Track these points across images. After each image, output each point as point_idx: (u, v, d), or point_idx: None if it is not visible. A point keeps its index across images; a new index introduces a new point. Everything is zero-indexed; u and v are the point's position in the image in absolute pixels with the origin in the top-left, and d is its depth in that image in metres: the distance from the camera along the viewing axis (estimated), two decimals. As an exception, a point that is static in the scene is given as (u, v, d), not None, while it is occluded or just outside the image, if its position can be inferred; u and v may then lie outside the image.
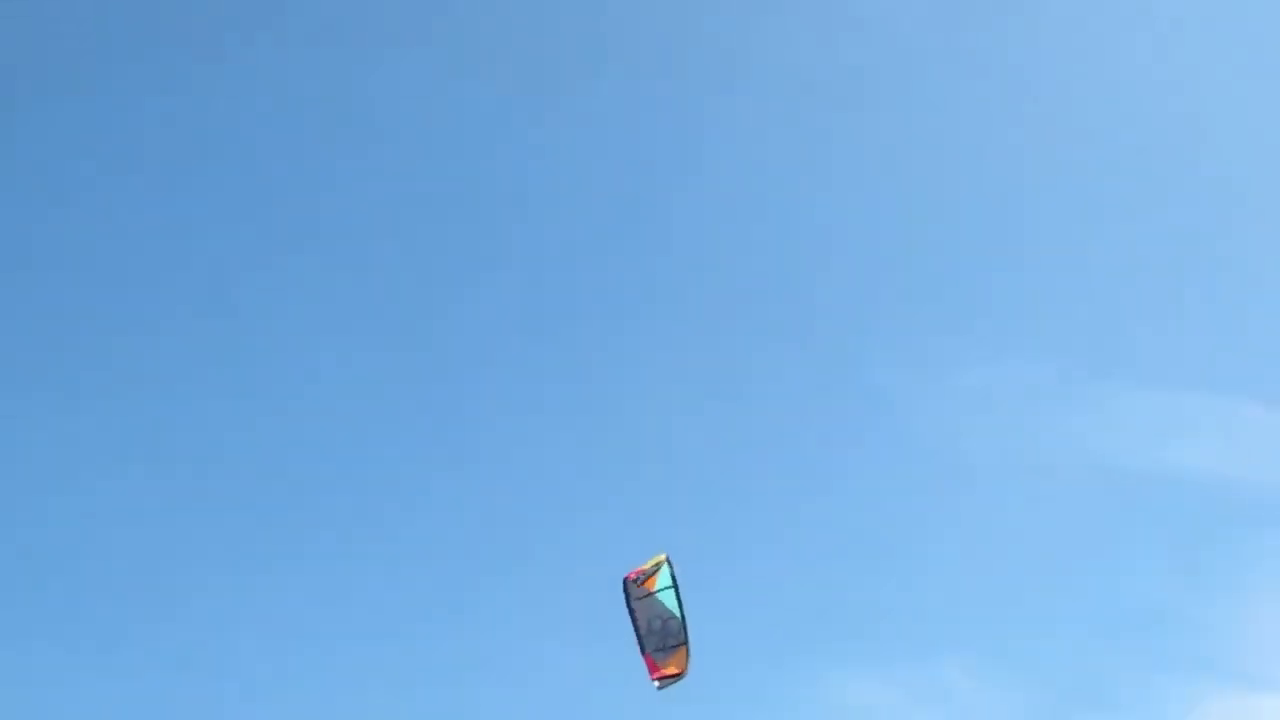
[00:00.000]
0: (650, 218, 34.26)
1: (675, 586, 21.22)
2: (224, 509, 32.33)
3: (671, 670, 21.12)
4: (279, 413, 33.70)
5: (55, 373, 34.05)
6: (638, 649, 21.28)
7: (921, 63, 35.45)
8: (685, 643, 21.16)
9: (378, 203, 36.18)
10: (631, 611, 21.16)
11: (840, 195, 34.16)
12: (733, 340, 32.73)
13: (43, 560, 31.77)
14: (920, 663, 28.93)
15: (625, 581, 21.12)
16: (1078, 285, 34.28)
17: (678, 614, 21.11)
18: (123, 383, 33.88)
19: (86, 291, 35.69)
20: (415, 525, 32.26)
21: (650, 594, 21.14)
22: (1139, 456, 29.80)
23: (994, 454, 30.58)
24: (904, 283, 33.67)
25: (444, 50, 37.18)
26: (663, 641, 21.19)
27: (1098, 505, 30.53)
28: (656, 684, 21.25)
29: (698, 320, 33.11)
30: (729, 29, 36.33)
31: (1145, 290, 33.68)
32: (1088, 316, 33.33)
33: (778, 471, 30.89)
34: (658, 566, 21.29)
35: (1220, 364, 31.43)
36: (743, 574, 29.62)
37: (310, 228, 36.52)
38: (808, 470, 30.89)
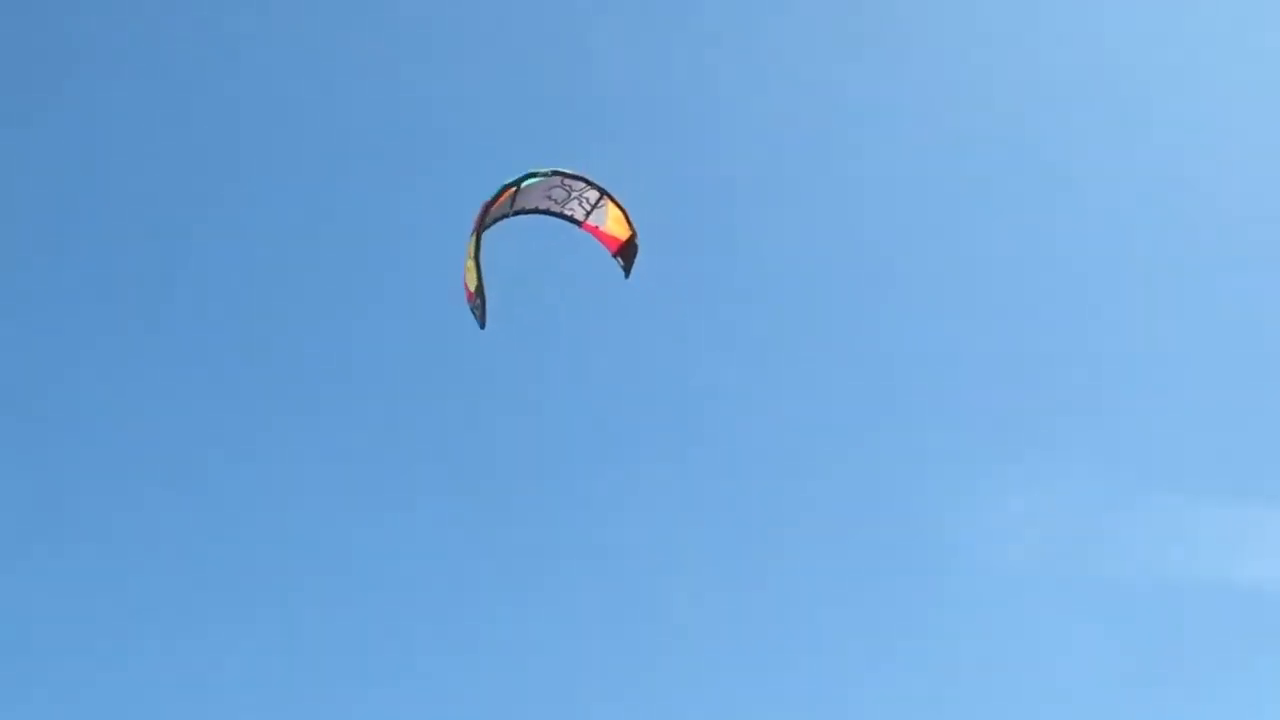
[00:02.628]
0: (691, 354, 28.79)
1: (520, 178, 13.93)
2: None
3: (624, 235, 14.21)
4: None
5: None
6: (574, 227, 14.34)
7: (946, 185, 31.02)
8: (604, 190, 14.12)
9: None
10: (521, 212, 13.95)
11: (879, 326, 30.50)
12: (770, 476, 28.84)
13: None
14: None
15: (478, 302, 13.62)
16: (1131, 398, 31.17)
17: (553, 170, 13.98)
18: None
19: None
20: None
21: (515, 193, 13.90)
22: (1208, 571, 27.49)
23: (1054, 574, 28.50)
24: (947, 411, 30.23)
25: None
26: (582, 201, 14.16)
27: (1166, 621, 28.48)
28: (622, 266, 14.43)
29: (733, 459, 28.75)
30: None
31: (1205, 399, 30.35)
32: (1145, 430, 30.58)
33: (830, 604, 28.13)
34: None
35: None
36: (808, 710, 26.82)
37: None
38: (863, 603, 28.33)
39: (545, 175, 13.78)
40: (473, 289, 13.50)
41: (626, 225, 14.11)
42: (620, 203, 14.07)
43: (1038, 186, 32.75)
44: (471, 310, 13.66)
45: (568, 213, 14.18)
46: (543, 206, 14.08)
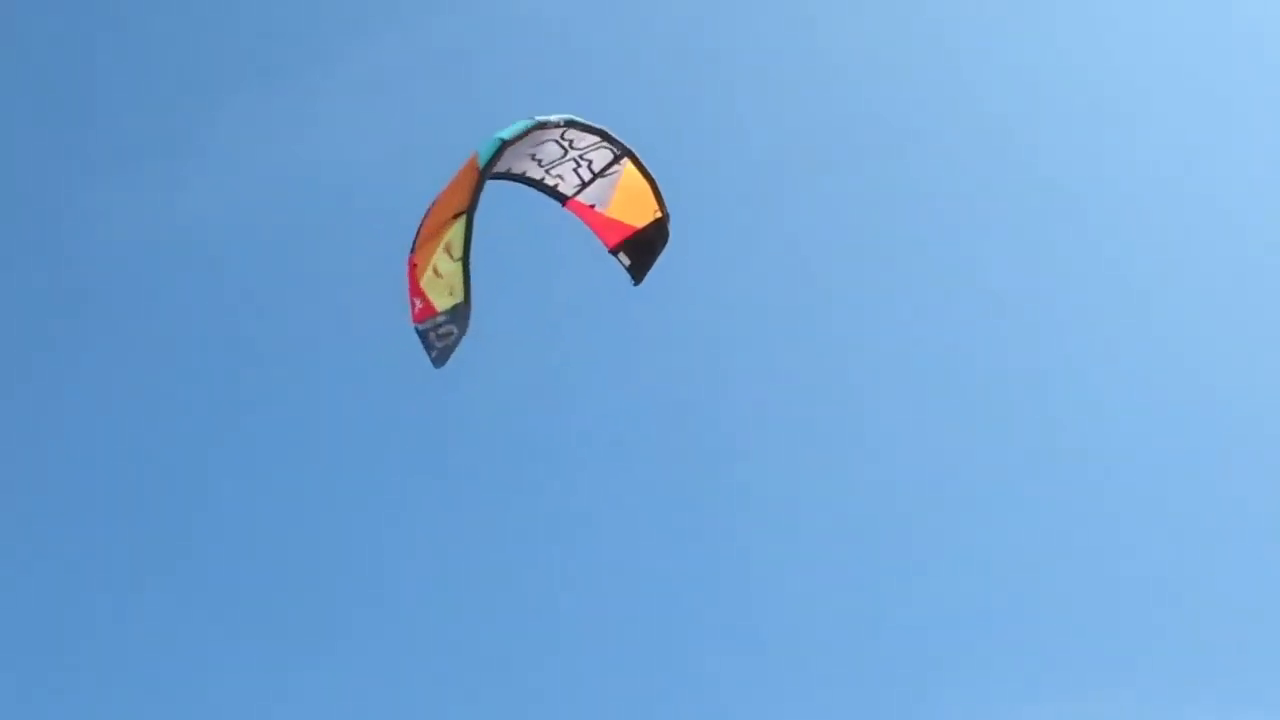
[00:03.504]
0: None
1: (526, 127, 8.54)
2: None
3: (642, 220, 9.13)
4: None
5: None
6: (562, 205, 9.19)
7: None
8: (626, 149, 9.01)
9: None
10: (495, 177, 8.53)
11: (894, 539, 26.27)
12: (777, 678, 25.03)
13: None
14: None
15: (449, 328, 8.28)
16: (1155, 609, 27.58)
17: (567, 118, 8.72)
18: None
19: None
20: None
21: (512, 149, 8.46)
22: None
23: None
24: (969, 611, 26.31)
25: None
26: (580, 165, 8.96)
27: None
28: (627, 267, 9.38)
29: (760, 662, 25.14)
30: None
31: (1232, 611, 27.01)
32: (1169, 642, 27.22)
33: None
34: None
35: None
36: None
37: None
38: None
39: (556, 124, 8.63)
40: (446, 308, 8.15)
41: (653, 202, 9.17)
42: (647, 169, 9.12)
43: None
44: (430, 336, 8.34)
45: (550, 182, 9.07)
46: (518, 170, 8.93)
